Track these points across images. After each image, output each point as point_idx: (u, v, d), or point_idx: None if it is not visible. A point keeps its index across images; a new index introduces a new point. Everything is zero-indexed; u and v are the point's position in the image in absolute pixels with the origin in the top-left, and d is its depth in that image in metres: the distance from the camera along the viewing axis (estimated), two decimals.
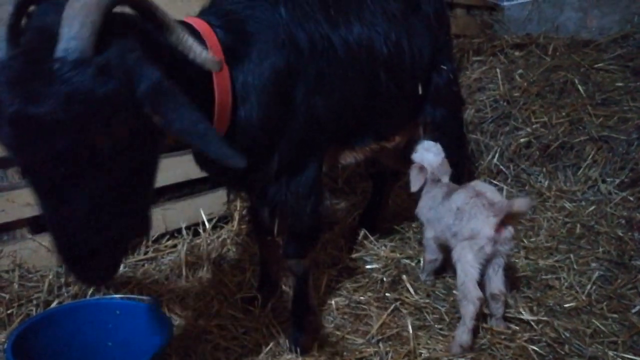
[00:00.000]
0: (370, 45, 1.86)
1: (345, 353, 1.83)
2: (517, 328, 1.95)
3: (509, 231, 1.86)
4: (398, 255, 2.48)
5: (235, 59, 1.45)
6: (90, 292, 2.01)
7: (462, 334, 1.81)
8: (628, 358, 1.79)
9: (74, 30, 0.93)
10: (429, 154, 2.19)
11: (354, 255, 2.48)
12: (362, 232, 2.66)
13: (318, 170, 1.76)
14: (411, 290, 2.13)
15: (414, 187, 2.18)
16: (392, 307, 2.03)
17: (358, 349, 1.85)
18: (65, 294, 1.97)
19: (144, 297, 1.81)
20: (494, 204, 1.87)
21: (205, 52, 1.20)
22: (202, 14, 1.56)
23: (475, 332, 1.86)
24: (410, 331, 1.89)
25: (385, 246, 2.56)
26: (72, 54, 0.94)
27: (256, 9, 1.55)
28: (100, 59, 0.97)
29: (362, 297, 2.15)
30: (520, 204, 1.85)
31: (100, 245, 1.13)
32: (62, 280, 2.01)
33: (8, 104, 0.93)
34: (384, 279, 2.24)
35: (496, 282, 1.90)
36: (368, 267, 2.38)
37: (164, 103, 1.03)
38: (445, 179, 2.17)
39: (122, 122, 1.03)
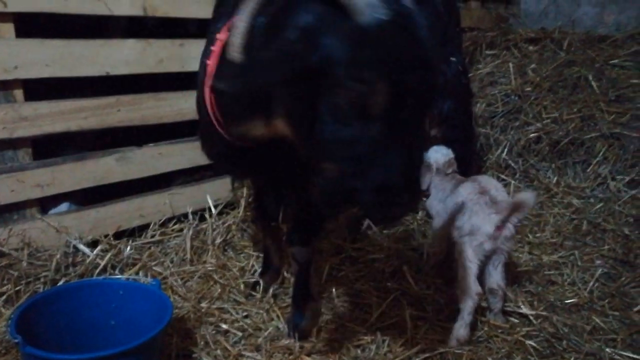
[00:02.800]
0: None
1: (343, 340, 1.86)
2: (517, 321, 1.96)
3: (509, 230, 1.85)
4: (401, 246, 2.49)
5: None
6: (96, 272, 2.06)
7: (460, 328, 1.82)
8: (626, 355, 1.79)
9: None
10: (437, 154, 2.26)
11: (356, 245, 2.50)
12: (365, 223, 2.68)
13: None
14: (411, 281, 2.15)
15: (423, 186, 2.21)
16: (392, 297, 2.04)
17: (356, 337, 1.88)
18: (72, 273, 2.02)
19: (147, 279, 1.85)
20: (497, 201, 1.87)
21: None
22: None
23: (473, 326, 1.86)
24: (409, 321, 1.90)
25: (389, 237, 2.57)
26: None
27: None
28: None
29: (363, 286, 2.17)
30: (525, 200, 1.84)
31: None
32: (70, 259, 2.06)
33: None
34: (386, 269, 2.25)
35: (495, 277, 1.90)
36: (370, 257, 2.39)
37: None
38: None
39: None
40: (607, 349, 1.81)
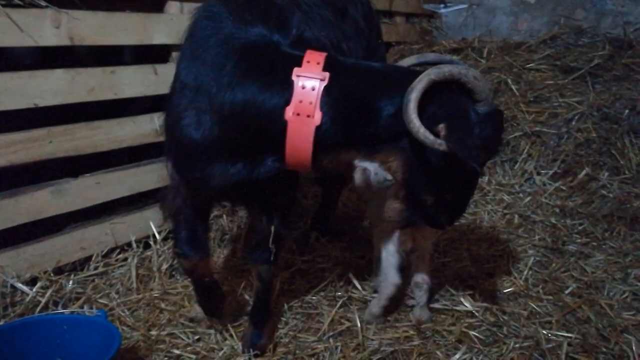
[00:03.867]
0: (325, 45, 1.93)
1: (297, 351, 1.88)
2: (460, 312, 2.07)
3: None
4: (348, 254, 2.56)
5: None
6: (37, 310, 1.98)
7: (374, 306, 2.00)
8: (560, 335, 1.93)
9: None
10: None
11: (305, 258, 2.54)
12: (313, 235, 2.73)
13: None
14: (359, 286, 2.21)
15: (357, 182, 2.28)
16: (339, 303, 2.10)
17: (310, 346, 1.91)
18: (12, 313, 1.93)
19: (92, 311, 1.81)
20: None
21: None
22: None
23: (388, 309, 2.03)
24: (359, 325, 1.96)
25: (336, 247, 2.63)
26: None
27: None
28: None
29: (313, 297, 2.21)
30: None
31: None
32: (8, 300, 1.97)
33: None
34: (334, 278, 2.31)
35: (419, 272, 2.02)
36: (319, 267, 2.44)
37: None
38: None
39: None
40: (544, 331, 1.94)
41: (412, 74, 1.46)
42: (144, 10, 2.41)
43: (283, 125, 1.42)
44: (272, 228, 1.72)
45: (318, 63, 1.44)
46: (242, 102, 1.46)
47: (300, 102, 1.40)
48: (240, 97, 1.46)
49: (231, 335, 1.96)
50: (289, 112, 1.41)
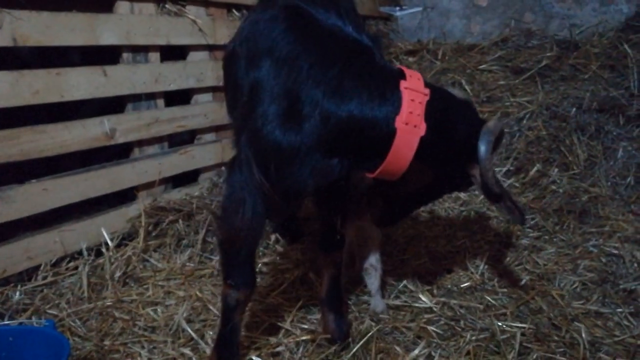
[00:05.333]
0: None
1: (260, 349, 1.86)
2: (419, 308, 2.09)
3: (369, 218, 2.02)
4: (308, 256, 2.55)
5: None
6: None
7: None
8: (514, 325, 1.97)
9: None
10: None
11: (267, 260, 2.52)
12: (274, 237, 2.71)
13: None
14: (319, 286, 2.19)
15: None
16: (299, 304, 2.08)
17: (271, 346, 1.89)
18: None
19: (40, 321, 1.74)
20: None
21: None
22: None
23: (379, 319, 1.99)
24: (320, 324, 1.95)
25: (296, 248, 2.62)
26: None
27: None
28: None
29: (273, 298, 2.19)
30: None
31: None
32: None
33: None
34: (296, 278, 2.29)
35: (367, 259, 2.06)
36: (280, 268, 2.42)
37: None
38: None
39: None
40: (499, 323, 1.98)
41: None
42: (91, 10, 2.34)
43: (392, 132, 1.49)
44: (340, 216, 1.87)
45: (419, 79, 1.54)
46: (352, 109, 1.48)
47: (410, 113, 1.49)
48: (350, 103, 1.48)
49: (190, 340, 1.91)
50: (399, 121, 1.48)
